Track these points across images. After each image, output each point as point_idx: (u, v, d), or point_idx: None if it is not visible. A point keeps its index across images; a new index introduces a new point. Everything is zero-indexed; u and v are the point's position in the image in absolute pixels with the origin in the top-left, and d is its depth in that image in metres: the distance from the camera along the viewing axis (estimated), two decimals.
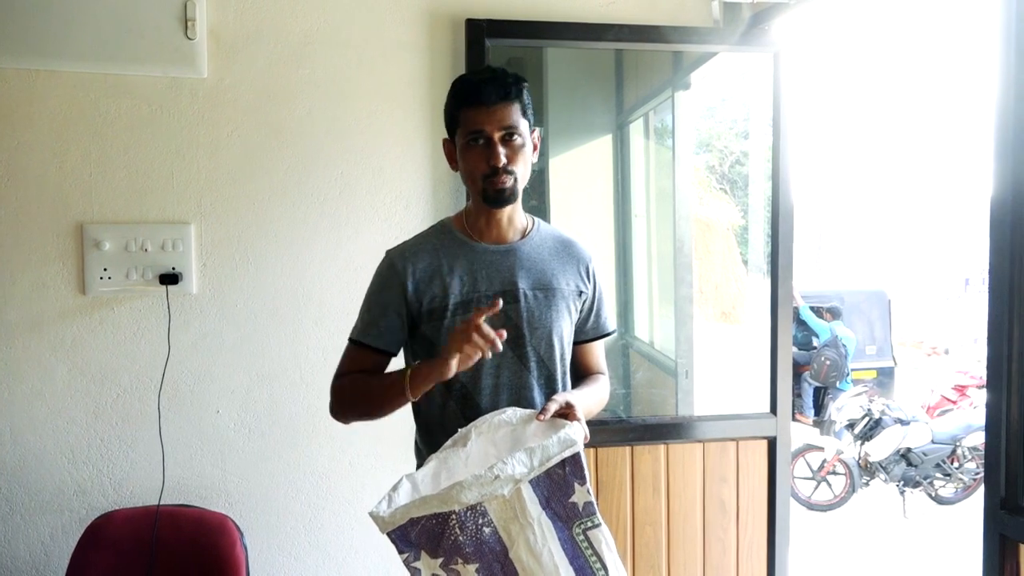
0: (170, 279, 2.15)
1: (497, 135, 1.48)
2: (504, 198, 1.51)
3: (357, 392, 1.56)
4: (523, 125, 1.51)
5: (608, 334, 1.72)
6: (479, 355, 1.38)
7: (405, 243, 1.61)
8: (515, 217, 1.59)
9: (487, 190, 1.50)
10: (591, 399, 1.62)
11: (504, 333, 1.39)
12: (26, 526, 2.16)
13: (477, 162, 1.49)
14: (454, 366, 1.38)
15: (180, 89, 2.16)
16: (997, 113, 1.63)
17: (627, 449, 2.30)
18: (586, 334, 1.69)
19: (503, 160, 1.48)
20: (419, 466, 1.60)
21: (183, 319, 2.19)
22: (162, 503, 2.11)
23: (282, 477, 2.27)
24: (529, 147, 1.53)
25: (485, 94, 1.47)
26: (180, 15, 2.09)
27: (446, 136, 1.57)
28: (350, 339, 1.59)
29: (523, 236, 1.61)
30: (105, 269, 2.13)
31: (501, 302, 1.41)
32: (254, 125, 2.20)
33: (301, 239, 2.24)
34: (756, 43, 2.35)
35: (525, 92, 1.52)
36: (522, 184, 1.54)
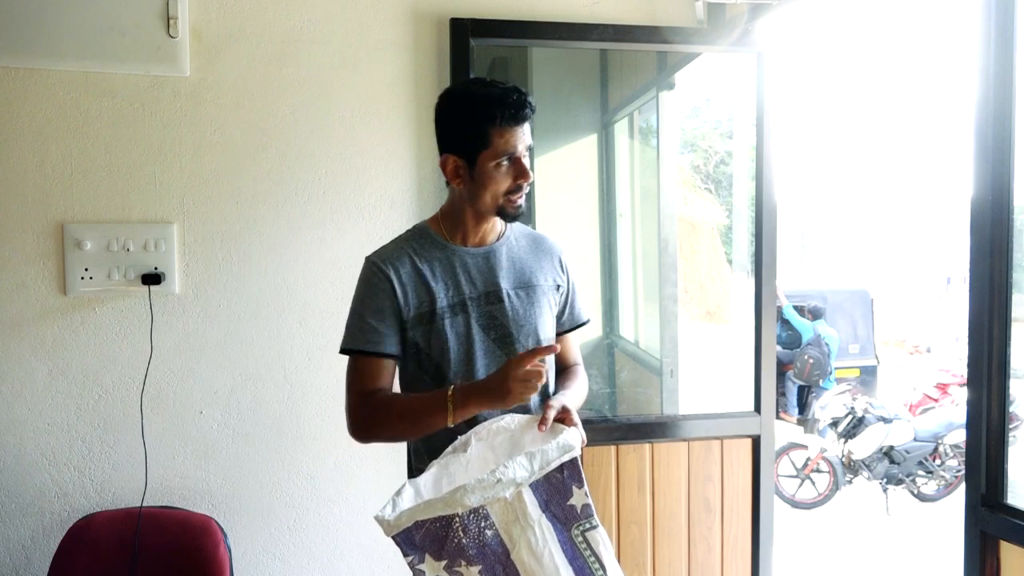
0: (152, 279, 2.13)
1: (523, 153, 1.49)
2: (520, 213, 1.54)
3: (391, 415, 1.50)
4: None
5: (583, 323, 1.74)
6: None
7: (384, 248, 1.59)
8: (497, 221, 1.61)
9: (505, 207, 1.51)
10: (579, 398, 1.64)
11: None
12: (6, 529, 2.13)
13: (504, 180, 1.49)
14: (512, 402, 1.40)
15: (162, 88, 2.14)
16: (977, 114, 1.65)
17: (612, 448, 2.31)
18: (562, 325, 1.71)
19: (532, 175, 1.50)
20: (412, 468, 1.63)
21: (166, 319, 2.17)
22: (145, 505, 2.10)
23: (266, 478, 2.26)
24: None
25: (521, 114, 1.45)
26: (162, 13, 2.08)
27: (448, 153, 1.50)
28: (354, 350, 1.52)
29: (499, 238, 1.62)
30: (86, 269, 2.11)
31: (559, 347, 1.48)
32: (237, 124, 2.19)
33: (285, 239, 2.23)
34: (740, 43, 2.36)
35: None
36: None
